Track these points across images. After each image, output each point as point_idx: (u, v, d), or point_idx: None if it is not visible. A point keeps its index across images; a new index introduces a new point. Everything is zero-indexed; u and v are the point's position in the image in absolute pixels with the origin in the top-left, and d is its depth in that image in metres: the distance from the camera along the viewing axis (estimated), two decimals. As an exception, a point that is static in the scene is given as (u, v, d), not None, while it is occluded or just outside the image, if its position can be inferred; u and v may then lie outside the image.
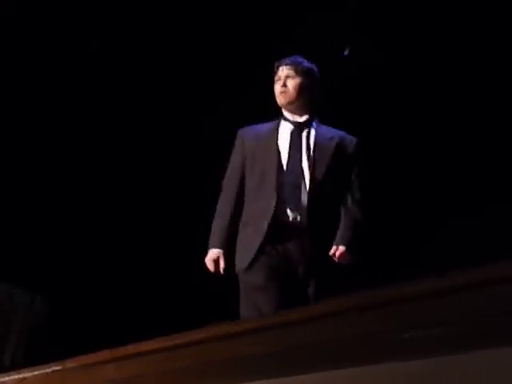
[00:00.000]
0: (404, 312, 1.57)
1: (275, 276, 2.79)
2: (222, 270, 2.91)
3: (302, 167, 2.89)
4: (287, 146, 2.94)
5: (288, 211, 2.84)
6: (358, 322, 1.64)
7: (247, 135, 3.04)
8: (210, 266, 2.93)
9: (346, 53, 3.14)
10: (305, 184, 2.85)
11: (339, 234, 2.90)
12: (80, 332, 3.92)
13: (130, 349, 2.21)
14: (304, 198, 2.84)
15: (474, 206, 4.15)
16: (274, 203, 2.83)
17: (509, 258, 1.41)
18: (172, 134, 4.60)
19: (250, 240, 2.87)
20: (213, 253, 2.93)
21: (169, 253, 4.39)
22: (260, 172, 2.94)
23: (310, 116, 3.00)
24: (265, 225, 2.82)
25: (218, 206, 3.01)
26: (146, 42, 4.42)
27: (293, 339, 1.73)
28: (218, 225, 2.97)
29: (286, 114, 3.03)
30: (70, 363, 2.33)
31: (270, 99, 3.04)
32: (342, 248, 2.87)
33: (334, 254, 2.85)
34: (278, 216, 2.83)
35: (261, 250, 2.82)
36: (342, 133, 3.03)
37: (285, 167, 2.90)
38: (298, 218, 2.83)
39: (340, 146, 2.96)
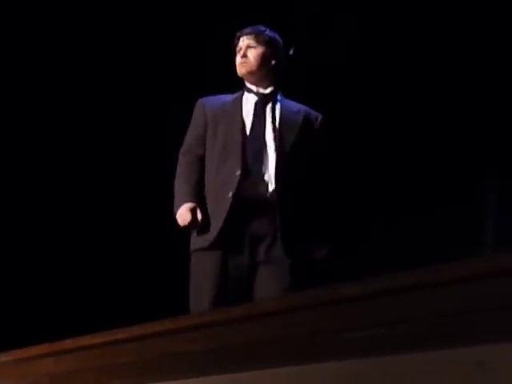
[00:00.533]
0: (349, 312, 1.56)
1: (233, 260, 2.67)
2: (199, 221, 2.69)
3: (264, 138, 2.77)
4: (251, 116, 2.81)
5: (248, 185, 2.70)
6: (303, 320, 1.63)
7: (209, 104, 2.89)
8: (186, 216, 2.69)
9: (291, 52, 3.01)
10: (267, 156, 2.74)
11: (313, 230, 2.80)
12: (12, 326, 3.81)
13: (69, 343, 2.16)
14: (265, 171, 2.71)
15: (421, 205, 4.16)
16: (238, 173, 2.70)
17: (447, 261, 1.42)
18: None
19: (211, 216, 2.71)
20: (187, 205, 2.71)
21: (111, 241, 4.30)
22: (222, 142, 2.80)
23: (274, 88, 2.87)
24: (229, 196, 2.67)
25: (180, 172, 2.83)
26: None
27: (235, 337, 1.70)
28: (183, 186, 2.77)
29: (249, 85, 2.88)
30: (5, 357, 2.27)
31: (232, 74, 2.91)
32: (315, 246, 2.80)
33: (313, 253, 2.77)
34: (240, 190, 2.68)
35: (223, 230, 2.66)
36: (307, 108, 2.92)
37: (248, 139, 2.77)
38: (261, 191, 2.70)
39: (306, 121, 2.86)
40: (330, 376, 1.55)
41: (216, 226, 2.68)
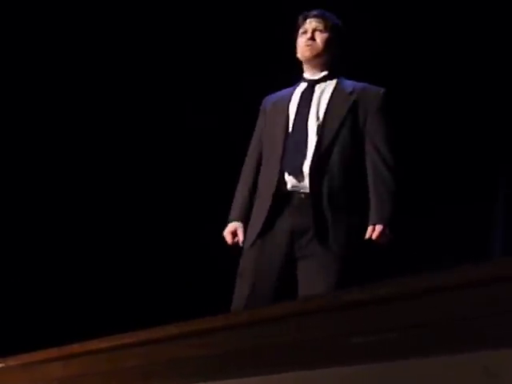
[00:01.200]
0: (356, 317, 1.56)
1: (272, 257, 2.62)
2: (240, 243, 2.74)
3: (306, 128, 2.67)
4: (296, 106, 2.74)
5: (288, 179, 2.64)
6: (309, 325, 1.62)
7: (268, 103, 2.86)
8: (228, 238, 2.78)
9: None
10: (308, 147, 2.64)
11: (373, 209, 2.60)
12: (20, 331, 3.81)
13: (77, 347, 2.17)
14: (305, 162, 2.62)
15: (427, 204, 4.11)
16: (277, 172, 2.64)
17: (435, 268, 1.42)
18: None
19: (256, 215, 2.71)
20: (230, 226, 2.79)
21: (120, 245, 4.29)
22: (269, 139, 2.76)
23: (329, 72, 2.77)
24: (269, 196, 2.65)
25: (240, 179, 2.85)
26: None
27: (241, 342, 1.70)
28: (238, 197, 2.82)
29: (305, 73, 2.80)
30: (13, 361, 2.28)
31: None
32: (379, 227, 2.57)
33: (371, 236, 2.57)
34: (281, 185, 2.64)
35: (263, 229, 2.64)
36: (366, 85, 2.77)
37: (290, 130, 2.70)
38: (300, 184, 2.62)
39: (359, 101, 2.71)
40: (336, 381, 1.54)
41: (257, 226, 2.68)
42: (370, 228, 2.58)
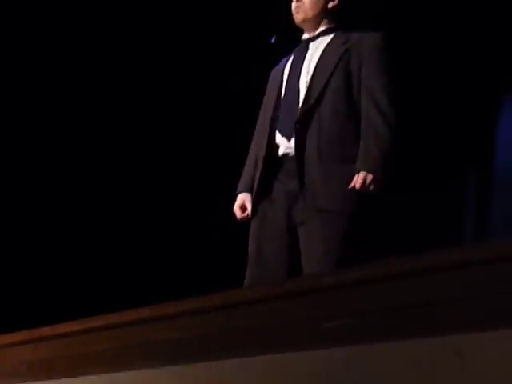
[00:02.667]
0: (325, 301, 1.56)
1: (273, 230, 2.53)
2: (249, 214, 2.62)
3: (298, 87, 2.56)
4: (289, 68, 2.63)
5: (281, 141, 2.54)
6: (279, 310, 1.62)
7: (272, 72, 2.76)
8: (237, 213, 2.66)
9: (273, 40, 2.82)
10: (299, 105, 2.53)
11: (358, 158, 2.44)
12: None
13: (48, 330, 2.16)
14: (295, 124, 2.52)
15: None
16: (266, 134, 2.56)
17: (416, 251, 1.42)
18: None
19: (255, 183, 2.62)
20: (238, 199, 2.67)
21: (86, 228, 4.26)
22: (265, 105, 2.69)
23: (326, 28, 2.62)
24: (261, 161, 2.56)
25: (250, 148, 2.75)
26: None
27: (211, 326, 1.70)
28: (245, 168, 2.72)
29: (304, 35, 2.66)
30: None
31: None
32: (362, 174, 2.41)
33: (354, 186, 2.40)
34: (273, 149, 2.55)
35: (260, 195, 2.56)
36: (362, 34, 2.59)
37: (283, 93, 2.61)
38: (291, 150, 2.52)
39: (354, 48, 2.54)
40: (305, 365, 1.55)
41: (254, 193, 2.61)
42: (354, 177, 2.43)
